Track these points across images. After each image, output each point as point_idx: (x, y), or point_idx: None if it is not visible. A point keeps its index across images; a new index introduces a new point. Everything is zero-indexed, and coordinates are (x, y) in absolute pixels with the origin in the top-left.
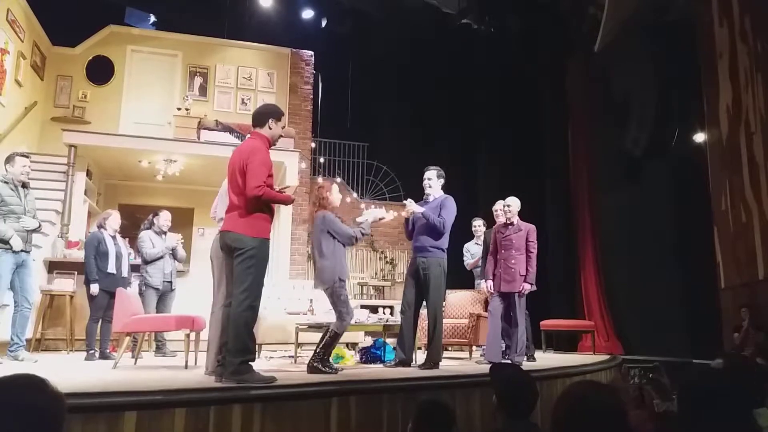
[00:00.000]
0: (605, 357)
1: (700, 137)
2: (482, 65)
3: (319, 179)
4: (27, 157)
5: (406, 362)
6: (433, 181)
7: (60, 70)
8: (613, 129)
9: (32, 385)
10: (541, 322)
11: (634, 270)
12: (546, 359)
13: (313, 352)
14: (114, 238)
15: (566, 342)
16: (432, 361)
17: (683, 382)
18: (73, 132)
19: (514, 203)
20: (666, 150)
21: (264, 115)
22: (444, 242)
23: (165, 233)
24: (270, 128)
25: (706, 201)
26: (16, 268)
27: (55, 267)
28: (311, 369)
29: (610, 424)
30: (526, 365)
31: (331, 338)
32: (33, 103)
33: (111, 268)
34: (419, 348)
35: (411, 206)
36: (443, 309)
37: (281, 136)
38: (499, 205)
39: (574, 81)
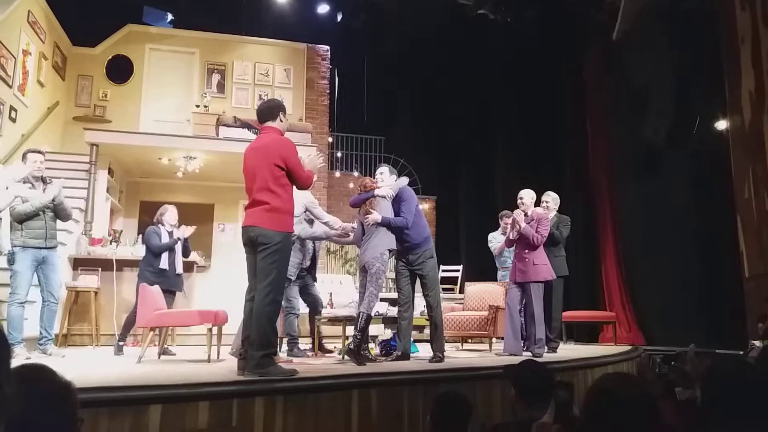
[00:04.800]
0: (627, 348)
1: (722, 125)
2: (499, 56)
3: (336, 173)
4: (39, 153)
5: (406, 355)
6: (385, 175)
7: (81, 70)
8: (633, 118)
9: (42, 375)
10: (562, 314)
11: (656, 260)
12: (567, 350)
13: (353, 336)
14: (171, 234)
15: (587, 333)
16: (438, 354)
17: (709, 370)
18: (95, 131)
19: (526, 195)
20: (687, 139)
21: (274, 108)
22: (425, 230)
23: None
24: (281, 120)
25: (728, 189)
26: (38, 265)
27: (79, 264)
28: (347, 351)
29: (642, 417)
30: (547, 357)
31: (365, 321)
32: (55, 103)
33: (163, 264)
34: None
35: (373, 217)
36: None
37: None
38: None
39: (592, 71)
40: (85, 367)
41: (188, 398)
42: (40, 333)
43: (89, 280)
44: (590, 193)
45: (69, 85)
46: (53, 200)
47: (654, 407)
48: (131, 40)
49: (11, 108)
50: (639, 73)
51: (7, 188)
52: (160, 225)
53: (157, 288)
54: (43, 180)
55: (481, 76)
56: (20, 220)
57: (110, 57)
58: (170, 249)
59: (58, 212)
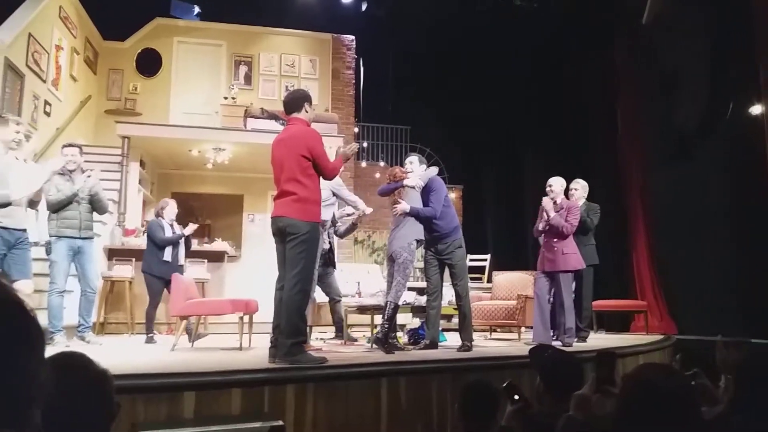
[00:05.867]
0: (659, 337)
1: (756, 110)
2: (525, 43)
3: (363, 164)
4: (73, 146)
5: (434, 344)
6: (415, 165)
7: (111, 64)
8: (664, 104)
9: (79, 363)
10: (593, 303)
11: (688, 248)
12: (597, 340)
13: (381, 325)
14: (171, 226)
15: (618, 322)
16: (467, 343)
17: (744, 361)
18: (126, 124)
19: (555, 183)
20: (720, 124)
21: (299, 99)
22: (454, 220)
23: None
24: (306, 111)
25: (763, 176)
26: (74, 255)
27: (114, 254)
28: (375, 340)
29: (684, 409)
30: (577, 346)
31: (392, 310)
32: (87, 97)
33: (167, 256)
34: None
35: (401, 207)
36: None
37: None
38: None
39: (621, 56)
40: (121, 354)
41: (221, 385)
42: (79, 321)
43: (124, 270)
44: (620, 180)
45: (100, 79)
46: (89, 191)
47: (696, 400)
48: (159, 33)
49: (46, 102)
50: (670, 57)
51: (47, 181)
52: (160, 218)
53: (189, 278)
54: (82, 172)
55: (508, 63)
56: (53, 209)
57: (139, 50)
58: (174, 243)
59: (94, 204)
